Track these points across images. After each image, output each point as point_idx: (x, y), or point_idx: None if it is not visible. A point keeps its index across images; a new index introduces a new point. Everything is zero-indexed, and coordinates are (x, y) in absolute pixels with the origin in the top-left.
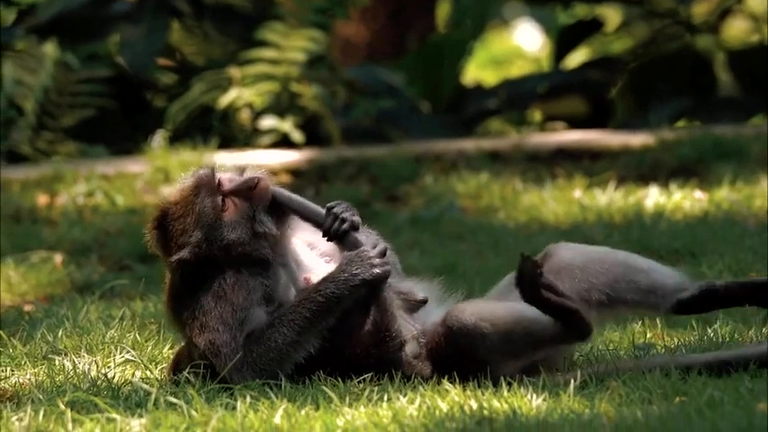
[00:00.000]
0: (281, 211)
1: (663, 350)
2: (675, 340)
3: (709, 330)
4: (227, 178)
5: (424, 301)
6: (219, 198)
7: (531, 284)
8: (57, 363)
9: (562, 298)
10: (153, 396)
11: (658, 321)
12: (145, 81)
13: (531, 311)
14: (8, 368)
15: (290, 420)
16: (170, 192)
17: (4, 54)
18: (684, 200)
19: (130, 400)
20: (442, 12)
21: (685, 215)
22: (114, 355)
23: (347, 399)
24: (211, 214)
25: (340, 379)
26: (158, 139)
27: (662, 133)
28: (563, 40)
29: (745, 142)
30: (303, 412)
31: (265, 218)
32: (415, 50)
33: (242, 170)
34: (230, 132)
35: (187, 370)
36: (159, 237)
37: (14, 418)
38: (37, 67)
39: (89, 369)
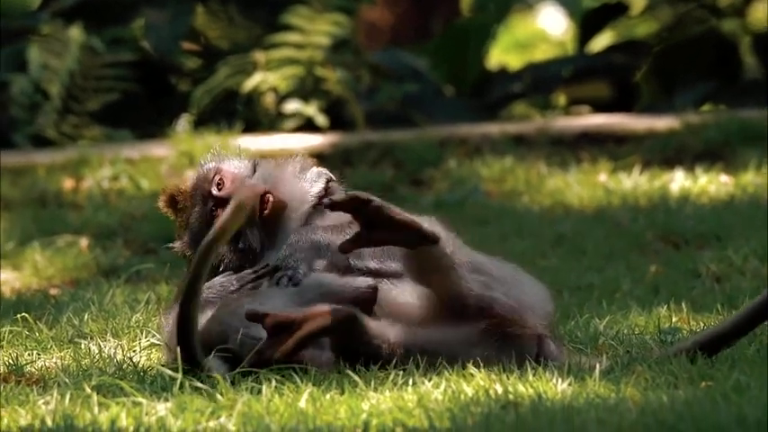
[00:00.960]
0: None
1: (688, 334)
2: (701, 324)
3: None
4: (229, 177)
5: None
6: (210, 206)
7: None
8: (82, 347)
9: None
10: (178, 380)
11: (684, 306)
12: (170, 65)
13: None
14: (34, 352)
15: (315, 404)
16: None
17: (29, 38)
18: (710, 184)
19: (156, 384)
20: None
21: (711, 199)
22: (140, 339)
23: (372, 383)
24: (196, 223)
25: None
26: (183, 123)
27: (687, 117)
28: (587, 24)
29: None
30: (328, 396)
31: (250, 233)
32: (440, 34)
33: (255, 165)
34: (255, 116)
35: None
36: (173, 215)
37: (41, 402)
38: (62, 51)
39: (115, 353)
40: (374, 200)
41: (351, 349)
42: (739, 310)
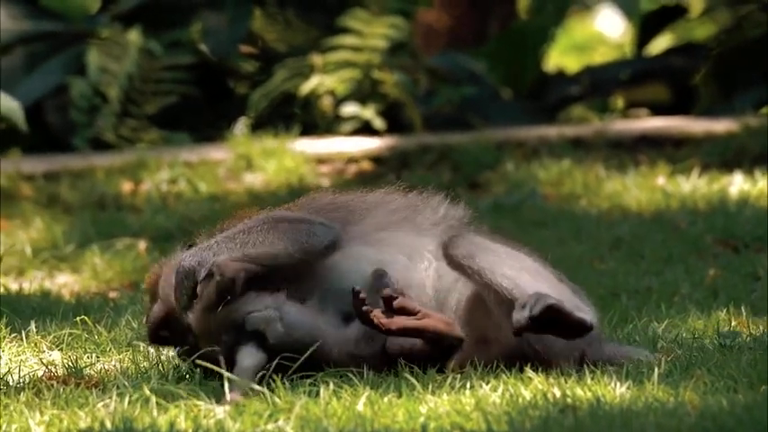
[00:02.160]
0: None
1: (748, 338)
2: (760, 328)
3: None
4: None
5: None
6: None
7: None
8: (141, 349)
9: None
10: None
11: (743, 309)
12: (227, 68)
13: None
14: (93, 355)
15: (372, 408)
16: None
17: (89, 42)
18: None
19: (214, 386)
20: None
21: None
22: None
23: (430, 386)
24: None
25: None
26: (241, 126)
27: (746, 120)
28: (646, 26)
29: None
30: (386, 399)
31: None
32: (497, 37)
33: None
34: (312, 119)
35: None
36: None
37: (100, 405)
38: (121, 54)
39: (173, 356)
40: (553, 302)
41: (430, 359)
42: None
